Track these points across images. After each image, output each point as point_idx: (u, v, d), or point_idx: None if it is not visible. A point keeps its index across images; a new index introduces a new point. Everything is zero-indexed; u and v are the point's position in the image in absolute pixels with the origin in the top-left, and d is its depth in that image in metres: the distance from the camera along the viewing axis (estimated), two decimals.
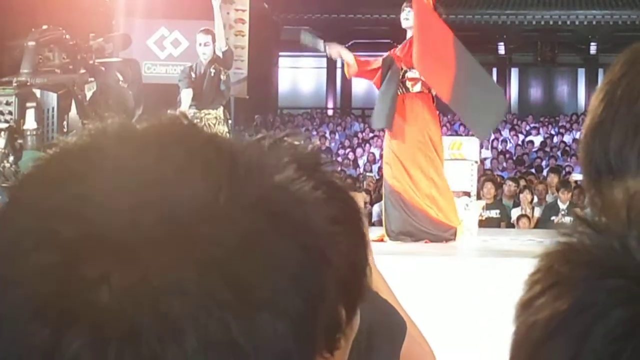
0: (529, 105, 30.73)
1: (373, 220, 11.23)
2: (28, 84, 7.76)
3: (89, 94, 8.16)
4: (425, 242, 7.99)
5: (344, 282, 1.05)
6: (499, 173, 17.68)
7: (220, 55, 9.62)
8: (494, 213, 11.86)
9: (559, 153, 22.33)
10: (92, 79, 8.22)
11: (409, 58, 8.15)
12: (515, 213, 12.06)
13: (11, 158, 7.37)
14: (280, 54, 30.64)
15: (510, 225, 11.86)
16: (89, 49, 8.36)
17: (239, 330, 0.56)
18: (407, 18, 8.25)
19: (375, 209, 11.74)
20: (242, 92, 20.69)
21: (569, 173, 16.93)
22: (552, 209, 11.88)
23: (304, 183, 0.64)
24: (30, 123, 7.58)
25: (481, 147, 12.77)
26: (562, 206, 11.67)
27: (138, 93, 8.64)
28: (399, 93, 8.30)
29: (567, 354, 0.58)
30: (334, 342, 1.09)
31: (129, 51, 10.24)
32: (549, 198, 12.78)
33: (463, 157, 9.48)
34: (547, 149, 22.98)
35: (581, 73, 31.12)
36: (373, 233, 6.90)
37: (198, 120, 8.09)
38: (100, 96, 8.15)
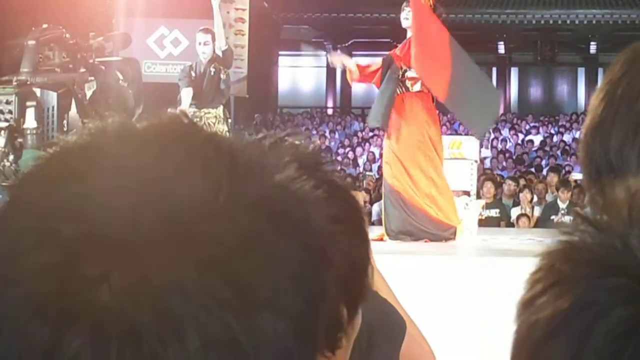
0: (528, 105, 30.73)
1: (373, 219, 11.23)
2: (28, 83, 7.76)
3: (89, 93, 8.16)
4: (425, 242, 8.00)
5: (345, 281, 1.05)
6: (499, 172, 17.69)
7: (220, 54, 9.63)
8: (494, 212, 11.86)
9: (558, 152, 22.34)
10: (92, 78, 8.23)
11: (408, 57, 8.16)
12: (515, 212, 12.06)
13: (11, 157, 7.38)
14: (280, 53, 30.64)
15: (510, 225, 11.87)
16: (89, 48, 8.37)
17: (240, 329, 0.56)
18: (407, 18, 8.26)
19: (375, 208, 11.74)
20: (242, 91, 20.70)
21: (569, 172, 16.94)
22: (552, 208, 11.88)
23: (305, 182, 0.64)
24: (30, 122, 7.59)
25: (481, 146, 12.79)
26: (562, 205, 11.67)
27: (138, 92, 8.65)
28: (399, 92, 8.31)
29: (568, 353, 0.58)
30: (335, 341, 1.09)
31: (129, 50, 10.25)
32: (549, 197, 12.79)
33: (463, 156, 9.47)
34: (547, 148, 22.99)
35: (581, 72, 31.13)
36: (372, 232, 6.89)
37: (198, 119, 8.10)
38: (100, 95, 8.16)
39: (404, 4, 8.33)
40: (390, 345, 1.58)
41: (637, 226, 0.60)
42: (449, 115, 21.66)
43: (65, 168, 0.60)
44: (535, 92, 32.02)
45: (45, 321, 0.55)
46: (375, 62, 8.58)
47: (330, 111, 30.07)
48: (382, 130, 8.69)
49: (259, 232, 0.59)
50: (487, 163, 19.29)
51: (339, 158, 20.66)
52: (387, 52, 8.70)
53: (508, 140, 23.56)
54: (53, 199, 0.58)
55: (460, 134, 15.61)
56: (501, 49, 30.35)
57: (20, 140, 7.51)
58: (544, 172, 17.25)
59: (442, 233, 8.10)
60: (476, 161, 10.00)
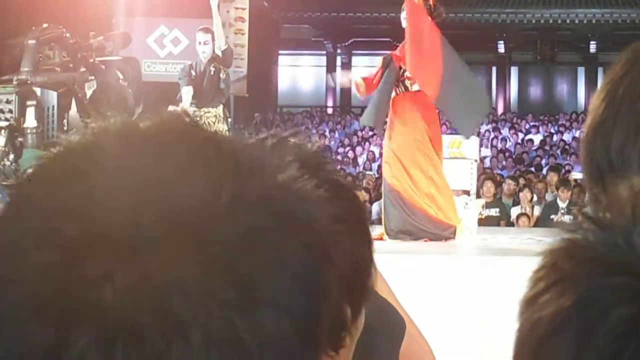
0: (528, 104, 30.73)
1: (372, 218, 11.22)
2: (28, 82, 7.76)
3: (89, 92, 8.16)
4: (425, 241, 8.00)
5: (348, 281, 1.05)
6: (499, 171, 17.68)
7: (220, 53, 9.63)
8: (494, 211, 11.86)
9: (558, 152, 22.34)
10: (92, 78, 8.23)
11: None
12: (514, 211, 12.06)
13: (11, 156, 7.38)
14: (280, 52, 30.62)
15: (510, 224, 11.87)
16: (89, 48, 8.37)
17: (244, 327, 0.56)
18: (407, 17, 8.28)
19: (375, 207, 11.73)
20: (242, 91, 20.71)
21: (569, 172, 16.94)
22: (552, 207, 11.88)
23: (307, 182, 0.64)
24: (30, 121, 7.59)
25: (481, 145, 12.79)
26: (562, 205, 11.67)
27: (138, 91, 8.65)
28: (399, 92, 8.32)
29: (570, 351, 0.58)
30: (339, 340, 1.10)
31: (129, 49, 10.26)
32: (549, 197, 12.78)
33: (462, 155, 9.48)
34: (547, 148, 22.99)
35: (581, 72, 31.12)
36: (372, 232, 6.89)
37: (198, 119, 8.08)
38: (101, 94, 8.16)
39: (404, 3, 8.34)
40: (390, 345, 1.58)
41: None
42: None
43: (68, 168, 0.60)
44: (535, 91, 32.02)
45: (45, 321, 0.55)
46: (377, 71, 8.59)
47: (330, 110, 30.06)
48: (374, 130, 8.72)
49: (261, 232, 0.59)
50: (487, 162, 19.29)
51: (339, 157, 20.65)
52: (387, 52, 8.71)
53: (508, 140, 23.56)
54: (55, 198, 0.58)
55: (460, 134, 15.60)
56: (501, 48, 30.34)
57: (20, 139, 7.51)
58: (544, 171, 17.25)
59: (441, 232, 8.10)
60: (476, 160, 10.00)
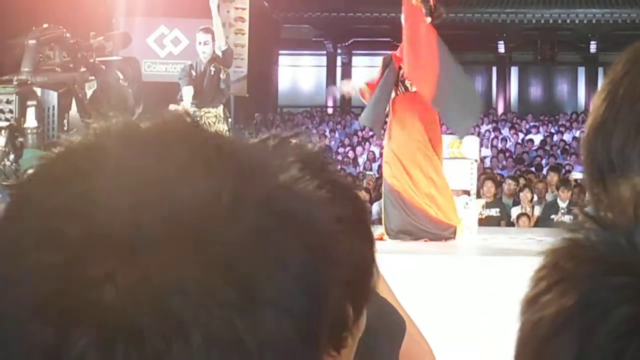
0: (528, 104, 30.74)
1: (372, 218, 11.21)
2: (29, 82, 7.77)
3: (89, 93, 8.17)
4: (425, 241, 8.00)
5: (350, 281, 1.05)
6: (499, 171, 17.69)
7: (220, 54, 9.64)
8: (494, 211, 11.86)
9: (558, 151, 22.35)
10: (93, 78, 8.24)
11: None
12: (515, 211, 12.07)
13: (11, 156, 7.38)
14: (280, 52, 30.64)
15: (510, 224, 11.87)
16: (89, 48, 8.38)
17: (244, 327, 0.56)
18: None
19: (375, 207, 11.74)
20: (242, 91, 20.73)
21: (569, 172, 16.95)
22: (552, 207, 11.88)
23: (309, 182, 0.64)
24: (30, 121, 7.59)
25: (481, 145, 12.79)
26: (562, 205, 11.67)
27: (138, 91, 8.66)
28: (399, 92, 8.33)
29: (572, 351, 0.58)
30: (340, 340, 1.10)
31: (129, 49, 10.26)
32: (549, 197, 12.79)
33: (463, 155, 9.48)
34: (547, 148, 23.00)
35: (581, 72, 31.13)
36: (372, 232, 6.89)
37: (198, 119, 8.09)
38: (101, 94, 8.17)
39: (403, 5, 8.35)
40: (391, 345, 1.58)
41: None
42: None
43: (68, 168, 0.60)
44: (535, 91, 32.02)
45: (45, 321, 0.55)
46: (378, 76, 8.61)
47: (330, 110, 30.07)
48: (372, 130, 8.74)
49: (262, 232, 0.59)
50: (487, 162, 19.30)
51: (339, 157, 20.67)
52: (387, 52, 8.73)
53: (508, 140, 23.57)
54: (56, 199, 0.58)
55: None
56: (501, 48, 30.35)
57: (20, 139, 7.51)
58: (544, 171, 17.25)
59: (441, 232, 8.11)
60: (476, 160, 10.00)
